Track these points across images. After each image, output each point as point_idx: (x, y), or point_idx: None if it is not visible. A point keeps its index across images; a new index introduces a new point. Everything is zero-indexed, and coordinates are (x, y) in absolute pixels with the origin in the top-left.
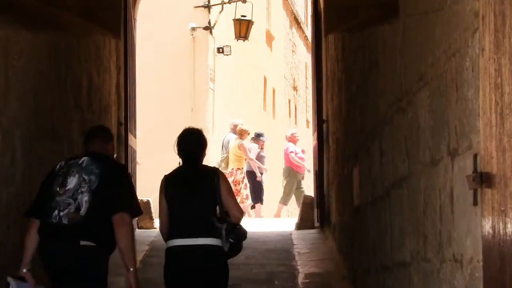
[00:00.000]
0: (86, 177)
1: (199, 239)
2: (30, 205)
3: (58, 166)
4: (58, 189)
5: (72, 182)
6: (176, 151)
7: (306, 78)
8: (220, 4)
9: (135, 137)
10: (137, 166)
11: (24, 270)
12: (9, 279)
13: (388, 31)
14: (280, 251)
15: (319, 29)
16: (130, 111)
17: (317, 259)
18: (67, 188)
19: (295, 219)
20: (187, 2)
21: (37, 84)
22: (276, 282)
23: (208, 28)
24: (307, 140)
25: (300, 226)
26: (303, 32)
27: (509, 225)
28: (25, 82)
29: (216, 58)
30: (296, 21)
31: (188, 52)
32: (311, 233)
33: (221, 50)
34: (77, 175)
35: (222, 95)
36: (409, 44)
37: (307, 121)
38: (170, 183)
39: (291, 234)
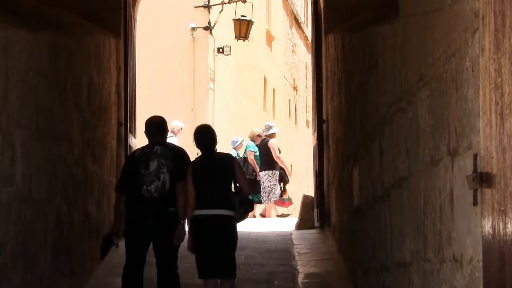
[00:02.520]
0: (163, 161)
1: (219, 210)
2: (118, 183)
3: (136, 154)
4: (143, 171)
5: (153, 165)
6: (195, 144)
7: (306, 78)
8: (220, 4)
9: (135, 137)
10: None
11: (116, 231)
12: (113, 236)
13: (388, 31)
14: (280, 251)
15: (319, 29)
16: (130, 111)
17: (317, 259)
18: (150, 170)
19: (295, 219)
20: (187, 2)
21: (37, 84)
22: (276, 282)
23: (208, 28)
24: (307, 140)
25: (300, 226)
26: (303, 32)
27: (509, 225)
28: (25, 82)
29: (216, 58)
30: (296, 21)
31: (188, 52)
32: (311, 233)
33: (221, 50)
34: (155, 160)
35: (222, 95)
36: (409, 44)
37: (307, 121)
38: (195, 168)
39: (291, 234)
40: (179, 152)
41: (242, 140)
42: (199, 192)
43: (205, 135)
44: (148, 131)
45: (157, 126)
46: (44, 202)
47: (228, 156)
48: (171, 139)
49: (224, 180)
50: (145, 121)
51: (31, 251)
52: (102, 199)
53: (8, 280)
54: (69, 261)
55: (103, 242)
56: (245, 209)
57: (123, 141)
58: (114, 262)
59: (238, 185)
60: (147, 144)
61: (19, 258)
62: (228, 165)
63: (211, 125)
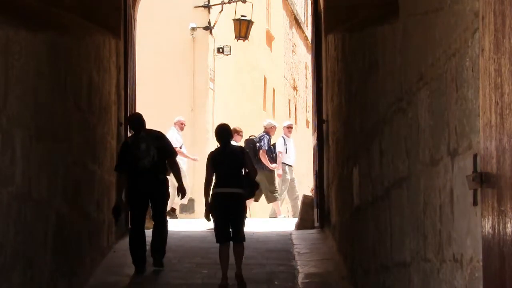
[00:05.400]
0: (150, 142)
1: (232, 188)
2: (117, 164)
3: (130, 141)
4: (136, 151)
5: (143, 146)
6: (215, 138)
7: (306, 78)
8: (220, 4)
9: None
10: None
11: (122, 199)
12: (120, 204)
13: (388, 31)
14: (280, 251)
15: (319, 29)
16: (130, 111)
17: (317, 259)
18: (141, 149)
19: (295, 219)
20: (187, 2)
21: (37, 84)
22: (276, 282)
23: (208, 28)
24: (307, 140)
25: (300, 226)
26: (303, 32)
27: (509, 225)
28: (25, 82)
29: (216, 58)
30: (296, 21)
31: (188, 52)
32: (311, 233)
33: (221, 50)
34: (144, 142)
35: (222, 95)
36: (409, 44)
37: (307, 121)
38: (214, 156)
39: (291, 234)
40: (160, 135)
41: None
42: (218, 175)
43: (225, 132)
44: (131, 126)
45: (137, 121)
46: (44, 202)
47: (240, 148)
48: (280, 139)
49: (236, 166)
50: (127, 119)
51: (31, 251)
52: (102, 199)
53: (8, 280)
54: (69, 261)
55: (114, 211)
56: (251, 188)
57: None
58: (114, 262)
59: (247, 170)
60: (133, 134)
61: (19, 258)
62: (239, 155)
63: (211, 125)
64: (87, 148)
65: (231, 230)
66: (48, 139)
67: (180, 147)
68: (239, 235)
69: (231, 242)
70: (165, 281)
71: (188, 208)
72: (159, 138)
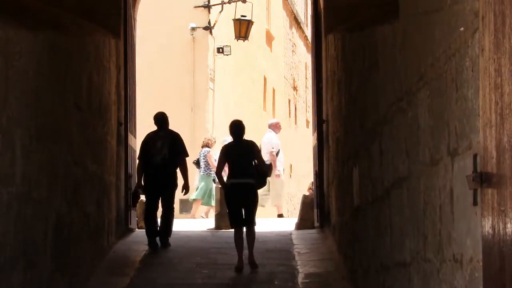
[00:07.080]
0: (165, 141)
1: (244, 179)
2: (139, 155)
3: (149, 138)
4: (152, 147)
5: (158, 144)
6: (229, 132)
7: (306, 78)
8: (220, 4)
9: (135, 137)
10: None
11: (139, 186)
12: (139, 191)
13: (388, 31)
14: (280, 251)
15: (319, 29)
16: (130, 111)
17: (317, 259)
18: (157, 147)
19: (295, 219)
20: (187, 2)
21: (37, 84)
22: (276, 282)
23: (208, 28)
24: (307, 140)
25: (300, 226)
26: (303, 32)
27: (509, 225)
28: (25, 82)
29: (216, 58)
30: (296, 21)
31: (188, 52)
32: (311, 233)
33: (221, 50)
34: (160, 140)
35: (222, 95)
36: (409, 44)
37: (307, 121)
38: (228, 149)
39: (291, 234)
40: (176, 135)
41: None
42: (231, 166)
43: (237, 128)
44: (155, 122)
45: (160, 119)
46: (44, 202)
47: (251, 142)
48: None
49: (247, 159)
50: (153, 116)
51: (31, 251)
52: (102, 199)
53: (8, 280)
54: (69, 261)
55: (133, 195)
56: (261, 179)
57: (123, 141)
58: (114, 262)
59: (257, 162)
60: (155, 130)
61: (19, 258)
62: (250, 148)
63: (211, 125)
64: (87, 148)
65: (244, 216)
66: (48, 139)
67: (277, 153)
68: (251, 219)
69: (244, 229)
70: (165, 281)
71: (188, 208)
72: (174, 139)
